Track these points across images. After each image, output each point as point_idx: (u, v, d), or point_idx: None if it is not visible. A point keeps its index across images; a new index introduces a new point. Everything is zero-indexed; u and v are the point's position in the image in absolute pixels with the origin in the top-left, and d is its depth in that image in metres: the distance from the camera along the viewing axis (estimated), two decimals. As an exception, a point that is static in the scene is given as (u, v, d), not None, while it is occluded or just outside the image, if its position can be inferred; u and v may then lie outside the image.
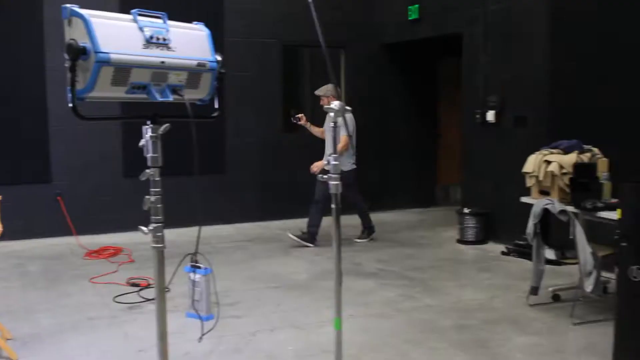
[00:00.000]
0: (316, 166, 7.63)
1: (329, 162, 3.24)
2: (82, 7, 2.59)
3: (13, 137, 8.11)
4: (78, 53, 2.50)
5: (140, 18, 2.72)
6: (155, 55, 2.69)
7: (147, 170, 2.75)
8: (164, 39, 2.75)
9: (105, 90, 2.60)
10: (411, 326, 4.98)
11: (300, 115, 8.10)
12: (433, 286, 6.09)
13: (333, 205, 3.21)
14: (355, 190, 7.92)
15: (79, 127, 8.23)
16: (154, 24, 2.76)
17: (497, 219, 7.90)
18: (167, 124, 2.77)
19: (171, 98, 2.78)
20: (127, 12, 2.72)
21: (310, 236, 7.86)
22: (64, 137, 8.36)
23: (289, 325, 4.97)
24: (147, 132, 2.75)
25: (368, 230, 8.28)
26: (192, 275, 5.09)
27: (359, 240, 8.19)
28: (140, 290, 5.87)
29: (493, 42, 7.93)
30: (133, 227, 6.87)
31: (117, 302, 5.58)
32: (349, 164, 7.70)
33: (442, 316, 5.22)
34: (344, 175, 7.28)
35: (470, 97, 8.34)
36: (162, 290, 2.90)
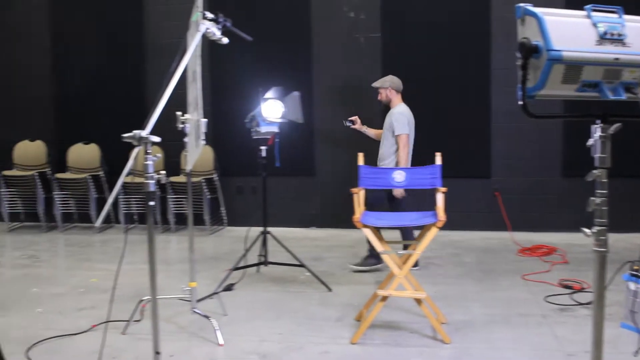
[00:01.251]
0: (401, 193, 6.58)
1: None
2: (533, 5, 2.63)
3: (459, 134, 8.60)
4: (530, 51, 2.54)
5: (594, 13, 2.64)
6: (609, 52, 2.58)
7: (594, 171, 2.68)
8: (619, 35, 2.62)
9: (555, 89, 2.59)
10: None
11: (353, 118, 7.05)
12: None
13: None
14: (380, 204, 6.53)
15: (519, 125, 8.39)
16: (608, 19, 2.65)
17: None
18: (618, 124, 2.66)
19: (624, 97, 2.65)
20: (573, 8, 2.67)
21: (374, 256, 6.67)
22: (504, 134, 8.59)
23: None
24: (596, 131, 2.67)
25: (375, 257, 6.59)
26: (631, 284, 4.82)
27: (354, 267, 6.71)
28: (573, 293, 5.74)
29: None
30: (568, 227, 6.79)
31: (548, 301, 5.54)
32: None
33: None
34: None
35: None
36: (602, 295, 2.79)
